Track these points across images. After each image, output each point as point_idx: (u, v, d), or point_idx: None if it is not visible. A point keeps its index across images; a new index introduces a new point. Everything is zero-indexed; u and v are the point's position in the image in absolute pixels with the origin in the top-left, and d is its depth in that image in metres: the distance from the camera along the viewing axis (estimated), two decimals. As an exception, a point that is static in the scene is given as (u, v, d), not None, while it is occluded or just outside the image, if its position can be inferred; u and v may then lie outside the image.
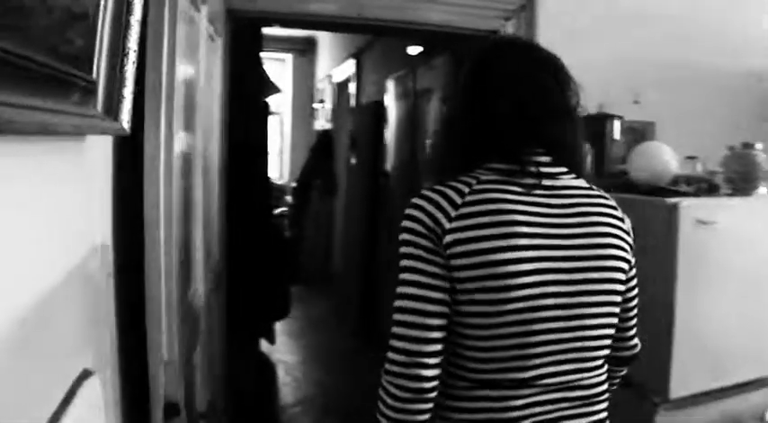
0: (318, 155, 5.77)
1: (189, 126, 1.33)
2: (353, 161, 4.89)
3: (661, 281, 1.67)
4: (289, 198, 6.01)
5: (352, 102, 5.18)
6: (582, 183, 1.05)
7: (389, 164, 4.12)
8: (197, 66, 1.41)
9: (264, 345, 3.29)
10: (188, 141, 1.33)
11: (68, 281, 0.79)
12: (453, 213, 0.96)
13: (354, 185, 4.81)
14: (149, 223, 0.99)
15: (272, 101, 4.75)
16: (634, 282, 1.12)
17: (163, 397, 1.05)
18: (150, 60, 0.95)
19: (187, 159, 1.33)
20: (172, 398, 1.07)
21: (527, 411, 0.99)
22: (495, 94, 1.02)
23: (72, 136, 0.77)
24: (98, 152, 0.93)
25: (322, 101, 6.86)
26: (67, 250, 0.81)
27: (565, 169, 1.04)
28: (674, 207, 1.67)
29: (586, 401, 1.03)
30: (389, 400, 0.95)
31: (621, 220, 1.07)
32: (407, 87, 3.67)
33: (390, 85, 4.08)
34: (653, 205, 1.71)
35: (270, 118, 4.44)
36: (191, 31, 1.29)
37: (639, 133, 2.11)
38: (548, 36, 2.06)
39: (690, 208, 1.68)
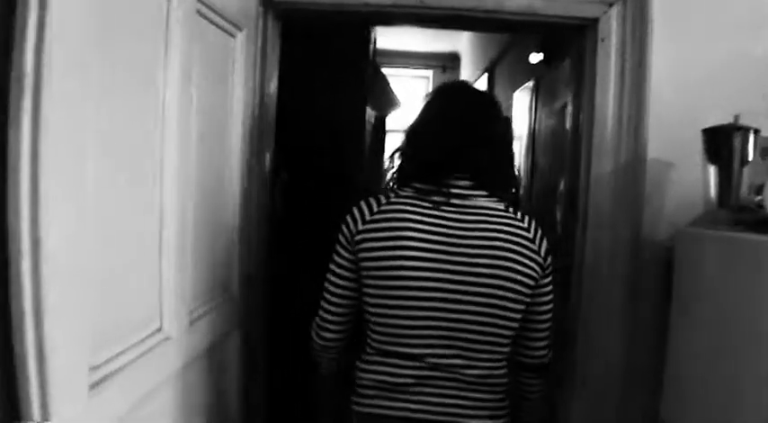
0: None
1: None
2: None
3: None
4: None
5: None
6: (496, 205, 1.25)
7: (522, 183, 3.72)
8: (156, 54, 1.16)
9: None
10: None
11: None
12: (366, 219, 1.25)
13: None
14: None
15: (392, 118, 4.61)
16: (544, 298, 1.31)
17: None
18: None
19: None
20: None
21: (413, 380, 1.24)
22: (423, 131, 1.29)
23: None
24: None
25: (462, 118, 6.58)
26: None
27: (482, 192, 1.25)
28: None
29: (474, 387, 1.25)
30: (311, 344, 1.37)
31: (532, 240, 1.25)
32: (530, 100, 3.27)
33: (515, 100, 3.69)
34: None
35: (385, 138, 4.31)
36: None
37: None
38: (663, 33, 1.61)
39: None
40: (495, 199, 1.25)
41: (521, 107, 3.56)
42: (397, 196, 1.26)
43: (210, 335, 1.48)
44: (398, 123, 7.45)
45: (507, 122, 1.32)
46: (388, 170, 1.33)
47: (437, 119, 1.28)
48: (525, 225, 1.26)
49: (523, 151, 3.45)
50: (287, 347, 2.09)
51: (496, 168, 1.27)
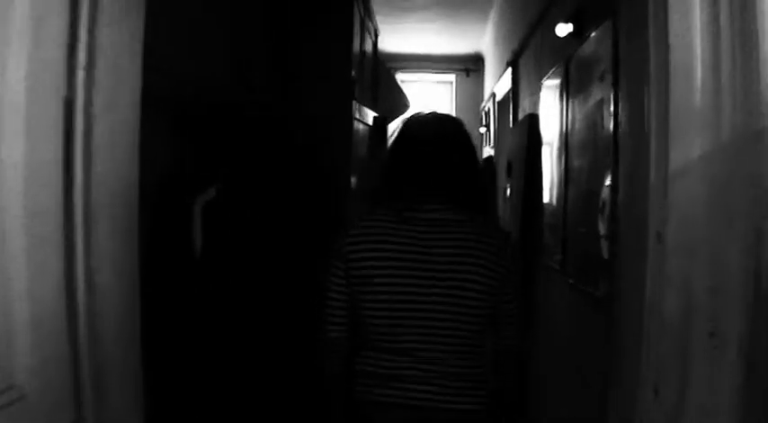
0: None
1: None
2: (508, 192, 3.88)
3: None
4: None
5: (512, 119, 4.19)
6: (459, 216, 1.47)
7: (550, 195, 3.06)
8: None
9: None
10: None
11: None
12: (350, 237, 1.49)
13: (509, 224, 3.78)
14: None
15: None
16: (507, 291, 1.51)
17: None
18: None
19: None
20: None
21: (402, 371, 1.45)
22: (394, 157, 1.52)
23: None
24: None
25: (486, 125, 5.93)
26: None
27: (447, 207, 1.47)
28: None
29: (451, 377, 1.45)
30: (320, 346, 1.55)
31: (492, 245, 1.46)
32: (560, 88, 2.63)
33: (543, 90, 3.05)
34: None
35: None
36: None
37: None
38: None
39: None
40: (460, 211, 1.47)
41: (549, 98, 2.91)
42: (372, 215, 1.51)
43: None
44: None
45: (470, 146, 1.55)
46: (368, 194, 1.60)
47: (405, 152, 1.50)
48: (487, 231, 1.49)
49: (555, 152, 2.79)
50: None
51: (461, 187, 1.48)
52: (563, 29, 2.33)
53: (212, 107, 1.71)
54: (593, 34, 2.08)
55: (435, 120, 1.54)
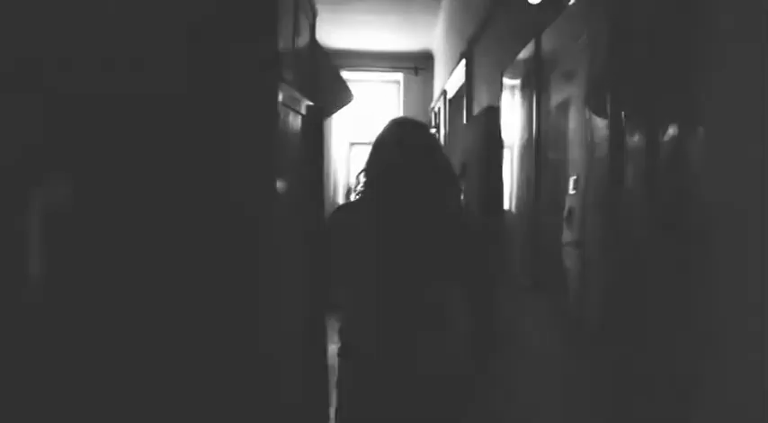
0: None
1: None
2: (462, 196, 3.46)
3: None
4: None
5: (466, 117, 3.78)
6: (426, 199, 1.72)
7: (512, 201, 2.64)
8: None
9: None
10: None
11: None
12: (337, 213, 1.92)
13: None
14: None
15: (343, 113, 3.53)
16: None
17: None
18: None
19: None
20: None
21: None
22: (372, 152, 1.79)
23: None
24: None
25: (437, 126, 5.52)
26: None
27: (418, 192, 1.71)
28: None
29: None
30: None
31: (445, 213, 1.76)
32: (528, 72, 2.21)
33: (506, 78, 2.63)
34: None
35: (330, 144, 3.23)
36: None
37: None
38: None
39: None
40: (432, 193, 1.75)
41: (514, 94, 2.49)
42: (358, 198, 1.79)
43: None
44: (365, 136, 6.40)
45: (437, 143, 1.89)
46: (355, 185, 1.83)
47: (384, 147, 1.77)
48: (443, 208, 1.77)
49: (523, 153, 2.38)
50: None
51: (431, 174, 1.75)
52: (536, -4, 1.91)
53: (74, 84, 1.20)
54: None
55: (410, 122, 1.87)
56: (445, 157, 1.84)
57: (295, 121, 2.38)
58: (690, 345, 1.07)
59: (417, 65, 6.59)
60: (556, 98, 1.90)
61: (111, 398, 1.54)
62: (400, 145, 1.74)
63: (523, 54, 2.28)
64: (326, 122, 3.36)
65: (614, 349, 1.41)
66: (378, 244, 1.67)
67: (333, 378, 1.88)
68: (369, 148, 1.81)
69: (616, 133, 1.41)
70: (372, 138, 1.81)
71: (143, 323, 1.62)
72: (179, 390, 1.75)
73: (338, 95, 3.22)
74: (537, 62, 2.08)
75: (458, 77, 4.08)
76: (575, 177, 1.72)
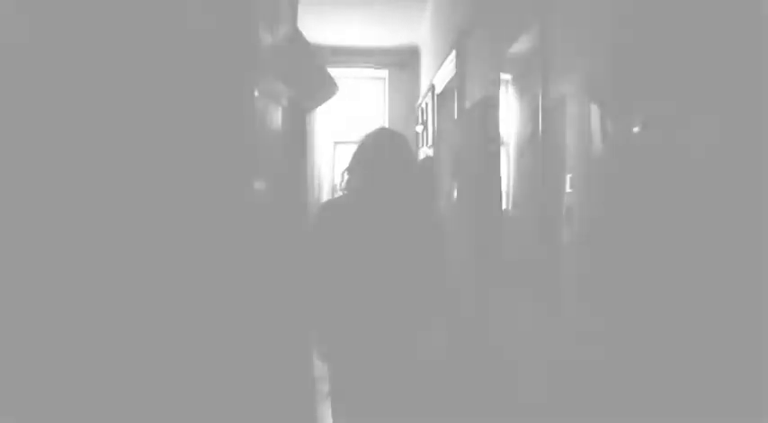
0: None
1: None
2: (455, 195, 3.28)
3: None
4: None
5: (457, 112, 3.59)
6: (401, 205, 1.92)
7: (511, 199, 2.46)
8: None
9: None
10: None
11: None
12: (324, 208, 2.06)
13: (458, 234, 3.17)
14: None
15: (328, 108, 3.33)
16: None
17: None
18: None
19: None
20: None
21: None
22: (353, 157, 1.94)
23: None
24: None
25: (424, 123, 5.35)
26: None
27: (394, 196, 1.90)
28: None
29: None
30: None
31: (418, 223, 1.94)
32: (528, 58, 2.03)
33: (507, 65, 2.45)
34: None
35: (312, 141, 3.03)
36: None
37: None
38: None
39: None
40: (408, 195, 1.92)
41: (508, 88, 2.31)
42: (342, 195, 1.96)
43: None
44: (350, 135, 6.17)
45: (410, 150, 2.00)
46: (340, 182, 1.98)
47: (368, 151, 1.92)
48: (416, 213, 1.96)
49: (520, 141, 2.20)
50: None
51: (407, 179, 1.92)
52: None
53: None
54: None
55: (389, 131, 2.04)
56: (419, 163, 2.01)
57: (276, 114, 2.18)
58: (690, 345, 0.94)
59: (403, 60, 6.41)
60: (554, 91, 1.73)
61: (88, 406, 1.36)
62: (380, 155, 1.91)
63: (522, 45, 2.10)
64: (310, 117, 3.16)
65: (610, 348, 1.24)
66: (359, 241, 1.85)
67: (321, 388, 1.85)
68: (351, 154, 1.97)
69: (615, 129, 1.25)
70: (355, 143, 1.98)
71: (116, 327, 1.43)
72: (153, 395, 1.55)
73: (321, 87, 3.02)
74: (537, 54, 1.90)
75: (447, 71, 3.90)
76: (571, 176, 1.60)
